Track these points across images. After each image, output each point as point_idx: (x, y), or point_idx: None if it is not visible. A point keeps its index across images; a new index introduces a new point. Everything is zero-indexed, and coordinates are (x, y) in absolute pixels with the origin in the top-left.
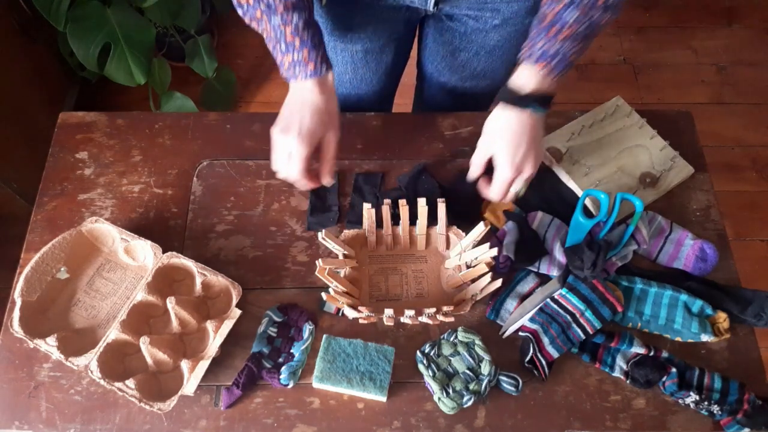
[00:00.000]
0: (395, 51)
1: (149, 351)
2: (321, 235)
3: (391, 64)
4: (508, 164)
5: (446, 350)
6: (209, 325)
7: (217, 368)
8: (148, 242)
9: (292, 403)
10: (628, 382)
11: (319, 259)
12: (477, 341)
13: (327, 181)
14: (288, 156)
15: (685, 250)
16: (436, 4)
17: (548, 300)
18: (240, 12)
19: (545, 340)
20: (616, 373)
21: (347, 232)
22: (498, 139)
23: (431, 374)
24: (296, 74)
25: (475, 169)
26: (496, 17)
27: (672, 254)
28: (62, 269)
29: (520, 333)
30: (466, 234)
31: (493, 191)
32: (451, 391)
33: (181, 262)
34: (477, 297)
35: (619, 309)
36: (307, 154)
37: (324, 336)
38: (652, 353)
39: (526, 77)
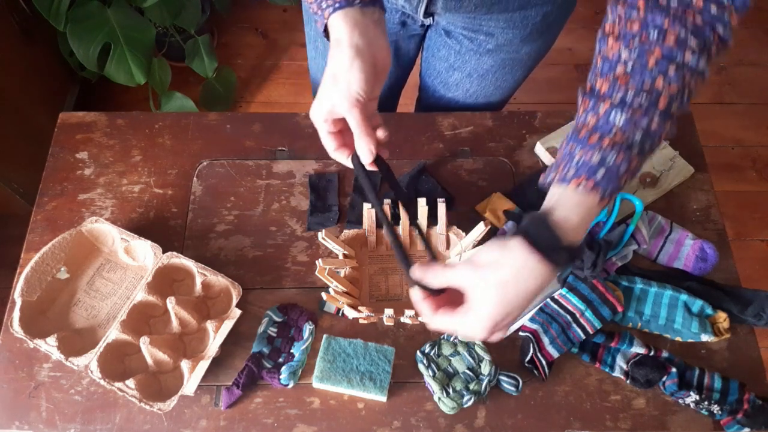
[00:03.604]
0: (395, 54)
1: (149, 351)
2: (321, 235)
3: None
4: (486, 329)
5: (446, 350)
6: (209, 325)
7: (217, 368)
8: (148, 242)
9: (292, 403)
10: (628, 382)
11: (319, 259)
12: (477, 341)
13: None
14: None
15: (685, 249)
16: (430, 15)
17: (548, 300)
18: None
19: (545, 340)
20: (616, 373)
21: (347, 232)
22: (493, 293)
23: (431, 374)
24: (317, 17)
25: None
26: (490, 42)
27: (672, 254)
28: (62, 269)
29: (520, 333)
30: (466, 234)
31: (437, 323)
32: (451, 391)
33: (181, 262)
34: None
35: (619, 309)
36: (326, 131)
37: (324, 336)
38: (652, 353)
39: (559, 204)
